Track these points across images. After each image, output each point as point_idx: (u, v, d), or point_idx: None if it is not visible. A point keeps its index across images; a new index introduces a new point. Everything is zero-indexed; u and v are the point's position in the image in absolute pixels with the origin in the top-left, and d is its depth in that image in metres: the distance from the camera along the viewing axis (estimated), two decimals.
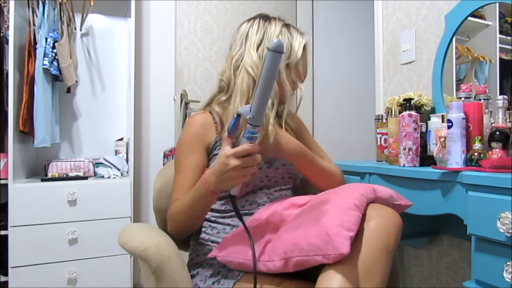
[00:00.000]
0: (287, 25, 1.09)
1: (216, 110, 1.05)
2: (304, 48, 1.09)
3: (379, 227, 0.80)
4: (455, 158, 1.02)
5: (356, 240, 0.78)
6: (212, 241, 1.01)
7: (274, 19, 1.09)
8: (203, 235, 1.04)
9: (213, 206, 1.05)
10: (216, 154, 1.03)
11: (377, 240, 0.78)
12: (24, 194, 1.80)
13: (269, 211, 0.96)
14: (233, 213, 1.02)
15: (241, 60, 1.04)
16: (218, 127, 1.05)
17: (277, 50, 0.74)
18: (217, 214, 1.05)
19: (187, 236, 1.07)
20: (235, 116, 0.83)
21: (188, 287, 0.89)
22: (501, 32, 1.38)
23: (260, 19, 1.08)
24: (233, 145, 0.83)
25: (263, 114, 0.81)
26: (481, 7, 1.38)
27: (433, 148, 1.22)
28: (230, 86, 1.05)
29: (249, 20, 1.10)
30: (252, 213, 1.02)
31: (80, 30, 2.21)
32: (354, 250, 0.76)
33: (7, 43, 1.86)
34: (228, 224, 1.02)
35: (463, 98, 1.14)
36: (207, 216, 1.05)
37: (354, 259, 0.76)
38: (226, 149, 0.81)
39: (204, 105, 1.13)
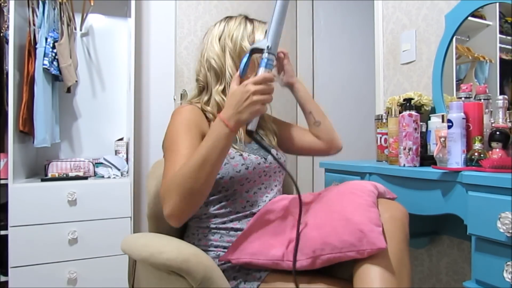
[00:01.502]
0: (248, 18, 1.13)
1: (208, 109, 1.08)
2: None
3: (396, 219, 0.85)
4: (455, 158, 1.02)
5: None
6: (216, 246, 0.99)
7: (235, 16, 1.13)
8: (204, 241, 1.01)
9: (210, 211, 1.02)
10: None
11: (398, 231, 0.84)
12: (24, 194, 1.80)
13: (280, 207, 0.96)
14: (233, 216, 1.01)
15: (206, 55, 1.09)
16: (210, 124, 1.05)
17: None
18: (217, 220, 1.02)
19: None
20: (248, 54, 0.89)
21: None
22: (501, 32, 1.38)
23: (223, 19, 1.14)
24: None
25: (278, 42, 0.88)
26: (481, 7, 1.38)
27: (433, 148, 1.22)
28: (209, 84, 1.10)
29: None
30: (254, 213, 1.01)
31: (80, 30, 2.21)
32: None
33: (7, 43, 1.86)
34: (232, 228, 1.00)
35: (463, 98, 1.14)
36: (206, 224, 1.02)
37: (386, 252, 0.80)
38: (244, 82, 0.84)
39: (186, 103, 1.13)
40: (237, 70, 1.01)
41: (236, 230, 1.00)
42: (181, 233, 1.11)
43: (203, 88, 1.12)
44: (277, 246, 0.87)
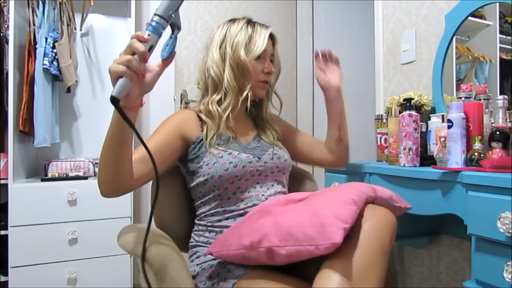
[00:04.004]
0: (251, 22, 1.11)
1: (202, 117, 1.09)
2: (272, 41, 1.14)
3: (373, 229, 0.80)
4: (455, 158, 1.02)
5: (351, 241, 0.78)
6: (211, 244, 1.01)
7: (239, 19, 1.12)
8: (201, 239, 1.04)
9: (207, 210, 1.05)
10: (199, 156, 1.04)
11: (371, 242, 0.78)
12: (24, 194, 1.80)
13: (269, 204, 0.95)
14: (228, 214, 1.03)
15: (206, 63, 1.10)
16: (202, 127, 1.08)
17: None
18: (213, 218, 1.04)
19: (185, 237, 1.06)
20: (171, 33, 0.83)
21: None
22: (501, 32, 1.38)
23: (227, 22, 1.13)
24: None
25: (176, 7, 0.79)
26: (481, 7, 1.38)
27: (433, 148, 1.22)
28: (208, 92, 1.11)
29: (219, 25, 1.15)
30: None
31: (80, 30, 2.21)
32: (349, 251, 0.77)
33: (7, 43, 1.86)
34: (226, 226, 1.02)
35: (463, 98, 1.14)
36: (204, 222, 1.05)
37: (349, 260, 0.76)
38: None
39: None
40: (235, 80, 1.06)
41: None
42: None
43: (203, 96, 1.13)
44: (248, 236, 0.85)
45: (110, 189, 0.90)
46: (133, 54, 0.73)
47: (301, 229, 0.78)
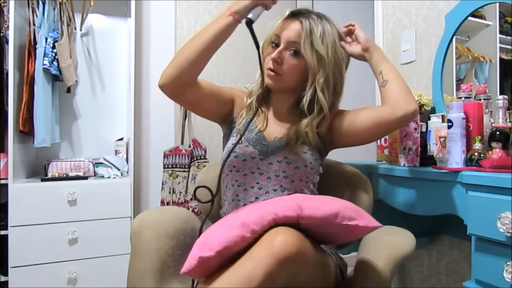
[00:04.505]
0: (292, 11, 1.07)
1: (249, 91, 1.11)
2: (304, 30, 1.00)
3: (247, 257, 0.74)
4: (455, 158, 1.02)
5: (226, 268, 0.75)
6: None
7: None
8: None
9: (222, 199, 1.09)
10: (228, 134, 1.09)
11: (236, 273, 0.73)
12: (24, 194, 1.80)
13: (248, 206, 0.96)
14: (226, 207, 1.07)
15: None
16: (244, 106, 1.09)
17: None
18: (223, 209, 1.08)
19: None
20: None
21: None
22: (501, 32, 1.38)
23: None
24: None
25: None
26: (481, 7, 1.38)
27: (433, 148, 1.22)
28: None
29: None
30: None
31: (80, 30, 2.21)
32: (218, 275, 0.75)
33: (7, 43, 1.86)
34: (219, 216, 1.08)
35: (463, 98, 1.14)
36: (219, 211, 1.11)
37: (225, 278, 0.73)
38: None
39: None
40: (260, 65, 0.98)
41: None
42: None
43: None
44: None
45: (174, 78, 0.95)
46: None
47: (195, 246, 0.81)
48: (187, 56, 0.94)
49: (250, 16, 0.90)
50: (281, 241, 0.71)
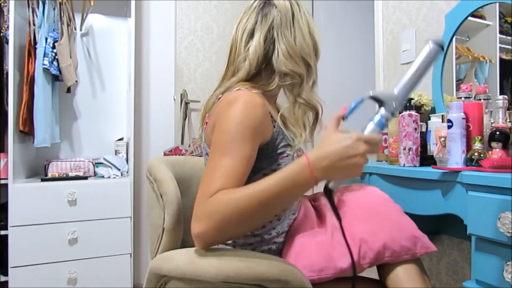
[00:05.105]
0: None
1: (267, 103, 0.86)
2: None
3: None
4: (455, 158, 1.02)
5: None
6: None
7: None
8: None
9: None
10: (283, 153, 0.86)
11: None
12: (24, 194, 1.80)
13: (312, 212, 0.94)
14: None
15: None
16: (274, 123, 0.87)
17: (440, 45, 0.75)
18: (274, 232, 0.87)
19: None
20: (361, 98, 0.75)
21: None
22: (501, 32, 1.38)
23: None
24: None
25: (405, 98, 0.78)
26: (481, 7, 1.38)
27: (433, 148, 1.22)
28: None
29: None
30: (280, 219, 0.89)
31: (80, 30, 2.21)
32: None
33: (7, 43, 1.86)
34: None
35: (463, 98, 1.14)
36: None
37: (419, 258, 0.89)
38: (353, 133, 0.70)
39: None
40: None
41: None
42: None
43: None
44: (340, 258, 0.81)
45: (220, 242, 0.77)
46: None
47: (396, 242, 0.85)
48: (258, 221, 0.74)
49: (330, 186, 0.73)
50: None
